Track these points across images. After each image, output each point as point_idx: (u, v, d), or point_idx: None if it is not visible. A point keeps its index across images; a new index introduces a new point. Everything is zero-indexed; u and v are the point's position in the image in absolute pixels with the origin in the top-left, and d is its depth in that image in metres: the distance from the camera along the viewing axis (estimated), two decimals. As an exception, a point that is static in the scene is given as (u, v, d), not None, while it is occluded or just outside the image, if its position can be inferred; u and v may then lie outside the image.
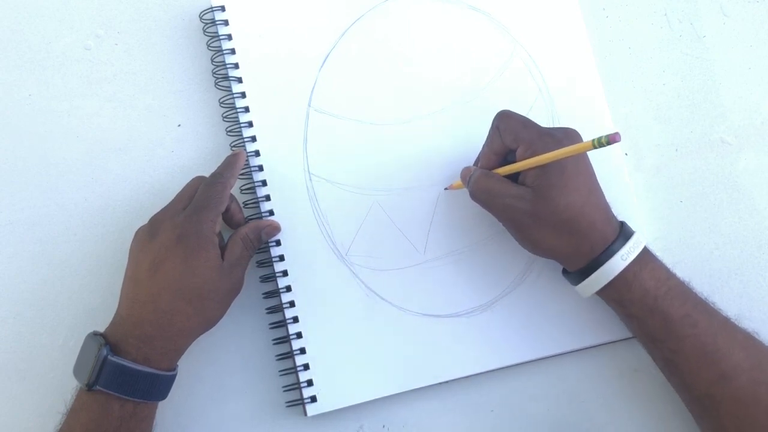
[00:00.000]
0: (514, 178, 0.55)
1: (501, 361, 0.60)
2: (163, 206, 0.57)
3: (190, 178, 0.58)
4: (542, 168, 0.52)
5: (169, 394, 0.54)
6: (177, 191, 0.58)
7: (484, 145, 0.57)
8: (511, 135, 0.54)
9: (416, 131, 0.63)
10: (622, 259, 0.53)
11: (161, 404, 0.54)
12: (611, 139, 0.46)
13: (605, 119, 0.64)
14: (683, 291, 0.54)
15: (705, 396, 0.53)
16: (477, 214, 0.62)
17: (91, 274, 0.61)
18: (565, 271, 0.58)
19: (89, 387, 0.51)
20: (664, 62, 0.66)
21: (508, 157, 0.56)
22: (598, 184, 0.55)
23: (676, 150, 0.65)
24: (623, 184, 0.63)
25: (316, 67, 0.63)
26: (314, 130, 0.62)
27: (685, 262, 0.62)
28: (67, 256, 0.61)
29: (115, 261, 0.60)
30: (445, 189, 0.62)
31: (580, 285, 0.55)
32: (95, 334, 0.53)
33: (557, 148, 0.52)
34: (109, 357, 0.50)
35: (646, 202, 0.64)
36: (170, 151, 0.63)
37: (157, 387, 0.52)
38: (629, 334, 0.61)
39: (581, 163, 0.54)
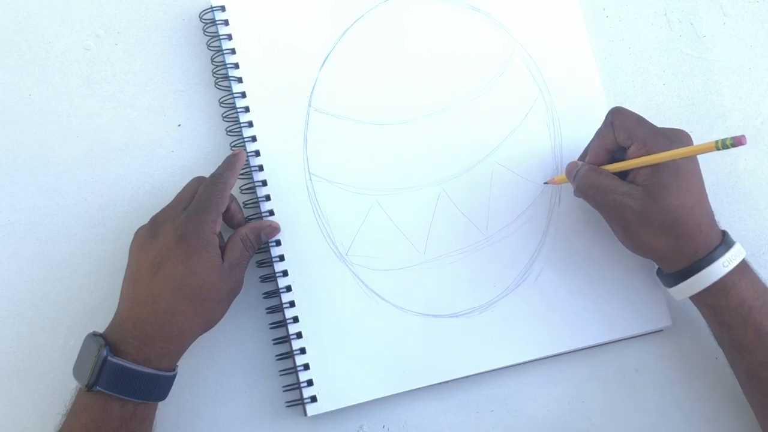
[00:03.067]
0: (621, 176, 0.55)
1: (501, 361, 0.60)
2: (163, 206, 0.57)
3: (190, 178, 0.58)
4: (655, 167, 0.52)
5: (169, 394, 0.54)
6: (177, 191, 0.58)
7: (593, 140, 0.57)
8: (626, 132, 0.54)
9: (416, 131, 0.63)
10: (724, 266, 0.53)
11: (161, 404, 0.54)
12: (737, 141, 0.45)
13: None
14: None
15: None
16: (477, 215, 0.62)
17: (91, 274, 0.61)
18: (659, 272, 0.58)
19: (89, 388, 0.51)
20: (664, 62, 0.66)
21: (615, 155, 0.56)
22: (704, 188, 0.55)
23: (676, 150, 0.65)
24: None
25: (317, 67, 0.63)
26: (314, 130, 0.62)
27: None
28: (67, 256, 0.61)
29: (115, 261, 0.60)
30: (545, 183, 0.61)
31: (676, 287, 0.55)
32: (95, 334, 0.52)
33: (671, 148, 0.52)
34: (109, 358, 0.50)
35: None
36: (170, 151, 0.63)
37: (158, 387, 0.52)
38: (629, 334, 0.61)
39: (694, 165, 0.54)
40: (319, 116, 0.62)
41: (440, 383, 0.60)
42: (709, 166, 0.65)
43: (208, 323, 0.55)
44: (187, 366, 0.58)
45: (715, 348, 0.58)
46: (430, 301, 0.61)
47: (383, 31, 0.64)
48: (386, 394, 0.59)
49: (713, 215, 0.55)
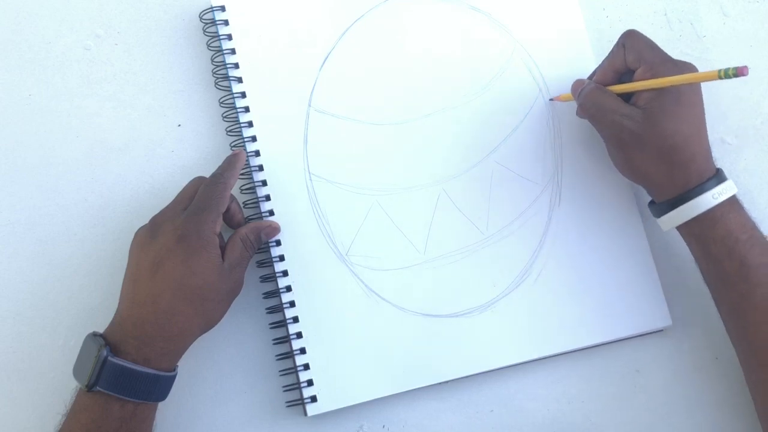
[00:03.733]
0: (626, 98, 0.56)
1: (501, 361, 0.60)
2: (163, 206, 0.57)
3: (190, 178, 0.58)
4: (658, 92, 0.53)
5: (169, 395, 0.54)
6: (177, 191, 0.58)
7: (603, 60, 0.58)
8: (636, 54, 0.55)
9: (416, 131, 0.63)
10: (713, 198, 0.54)
11: (161, 404, 0.54)
12: (739, 72, 0.46)
13: (605, 119, 0.64)
14: (764, 242, 0.55)
15: (764, 349, 0.54)
16: (477, 215, 0.62)
17: (91, 274, 0.61)
18: (651, 204, 0.58)
19: (89, 388, 0.51)
20: (664, 62, 0.66)
21: (623, 78, 0.57)
22: (705, 121, 0.56)
23: (676, 150, 0.65)
24: (623, 184, 0.63)
25: (317, 67, 0.63)
26: (314, 130, 0.62)
27: (684, 263, 0.62)
28: (67, 256, 0.61)
29: (115, 261, 0.60)
30: (551, 100, 0.62)
31: (665, 216, 0.56)
32: (95, 334, 0.52)
33: (678, 75, 0.52)
34: (110, 358, 0.50)
35: (646, 201, 0.64)
36: (170, 151, 0.63)
37: (158, 387, 0.52)
38: (629, 334, 0.61)
39: (696, 95, 0.55)
40: (319, 116, 0.62)
41: (440, 383, 0.60)
42: (709, 166, 0.65)
43: (208, 323, 0.55)
44: (187, 366, 0.58)
45: (715, 348, 0.58)
46: (430, 301, 0.61)
47: (383, 31, 0.64)
48: (386, 394, 0.59)
49: (710, 149, 0.56)
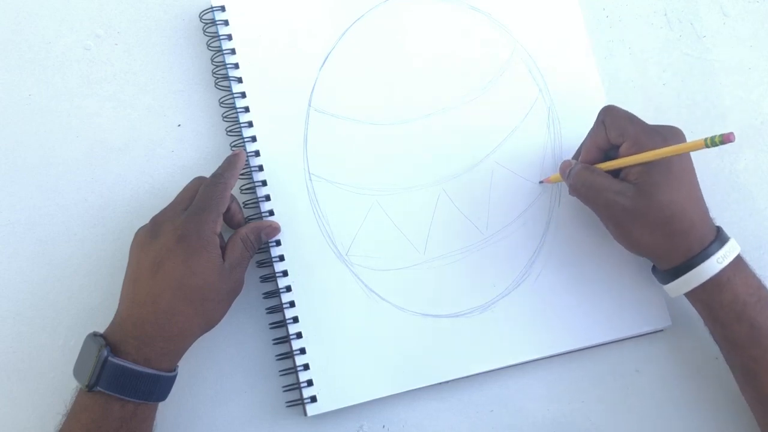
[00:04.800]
0: (615, 174, 0.55)
1: (501, 361, 0.60)
2: (164, 206, 0.57)
3: (191, 178, 0.58)
4: (647, 165, 0.52)
5: (169, 395, 0.54)
6: (177, 191, 0.58)
7: (586, 139, 0.57)
8: (617, 130, 0.54)
9: (416, 131, 0.63)
10: (718, 262, 0.53)
11: (161, 404, 0.54)
12: (725, 139, 0.45)
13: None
14: None
15: None
16: (477, 215, 0.62)
17: (91, 274, 0.61)
18: (654, 270, 0.58)
19: (90, 388, 0.51)
20: (664, 62, 0.66)
21: (609, 153, 0.56)
22: (698, 184, 0.55)
23: (676, 150, 0.65)
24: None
25: (317, 67, 0.63)
26: (314, 130, 0.62)
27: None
28: (67, 256, 0.61)
29: (115, 261, 0.60)
30: (540, 182, 0.62)
31: (670, 284, 0.55)
32: (95, 335, 0.52)
33: (662, 145, 0.52)
34: (110, 358, 0.50)
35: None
36: (170, 151, 0.63)
37: (158, 388, 0.52)
38: (629, 334, 0.61)
39: (686, 161, 0.54)
40: (319, 116, 0.62)
41: (440, 383, 0.60)
42: (710, 165, 0.65)
43: (208, 323, 0.55)
44: (187, 366, 0.58)
45: (715, 348, 0.58)
46: (430, 301, 0.61)
47: (383, 31, 0.64)
48: (386, 394, 0.59)
49: (707, 211, 0.55)
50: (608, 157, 0.56)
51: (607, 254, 0.61)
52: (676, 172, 0.53)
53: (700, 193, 0.55)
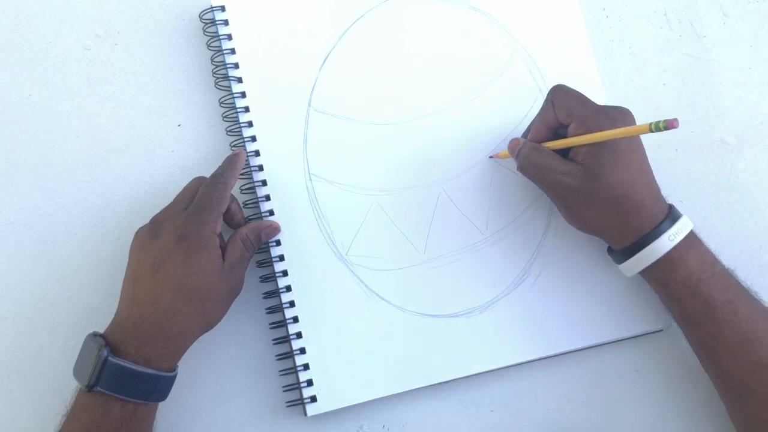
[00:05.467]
0: (563, 153, 0.55)
1: (501, 361, 0.60)
2: (164, 206, 0.57)
3: (190, 178, 0.58)
4: (594, 146, 0.53)
5: (169, 395, 0.54)
6: (177, 191, 0.58)
7: (535, 118, 0.57)
8: (565, 110, 0.54)
9: (416, 131, 0.63)
10: (670, 240, 0.53)
11: (161, 404, 0.54)
12: (669, 125, 0.45)
13: (605, 119, 0.64)
14: (727, 277, 0.54)
15: (739, 383, 0.53)
16: (477, 215, 0.62)
17: (91, 274, 0.61)
18: (610, 250, 0.58)
19: (90, 388, 0.51)
20: (664, 62, 0.66)
21: (558, 131, 0.56)
22: (648, 163, 0.55)
23: (676, 150, 0.65)
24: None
25: (317, 66, 0.63)
26: (314, 130, 0.62)
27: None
28: (67, 256, 0.61)
29: (115, 261, 0.60)
30: (490, 157, 0.62)
31: (624, 263, 0.56)
32: (95, 335, 0.52)
33: (611, 127, 0.52)
34: (110, 358, 0.50)
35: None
36: (170, 151, 0.63)
37: (158, 388, 0.52)
38: (629, 334, 0.61)
39: (634, 141, 0.54)
40: (319, 116, 0.62)
41: (440, 383, 0.60)
42: (710, 165, 0.65)
43: (208, 323, 0.55)
44: (187, 366, 0.58)
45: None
46: (430, 301, 0.61)
47: (383, 31, 0.64)
48: (386, 394, 0.59)
49: (658, 190, 0.55)
50: (557, 136, 0.56)
51: (607, 254, 0.61)
52: (624, 152, 0.53)
53: (650, 171, 0.55)
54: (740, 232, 0.64)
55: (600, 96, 0.64)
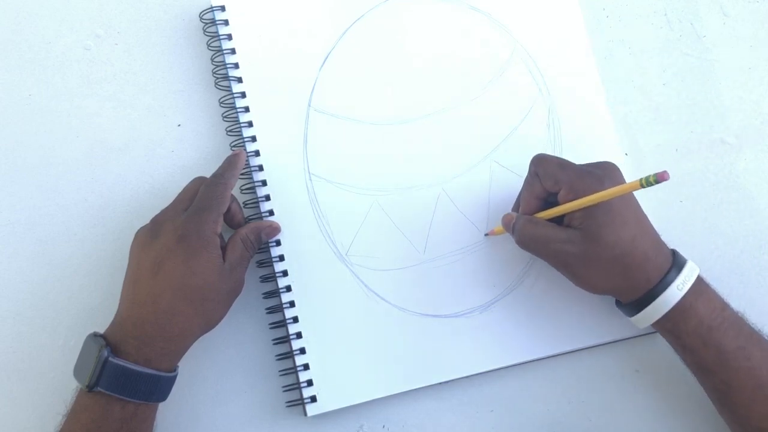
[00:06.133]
0: (558, 220, 0.54)
1: (501, 361, 0.60)
2: (164, 206, 0.57)
3: (190, 178, 0.58)
4: (588, 208, 0.52)
5: (170, 395, 0.54)
6: (177, 191, 0.58)
7: (522, 190, 0.57)
8: (551, 179, 0.53)
9: (416, 131, 0.63)
10: (678, 289, 0.52)
11: (161, 404, 0.54)
12: (660, 178, 0.45)
13: (605, 119, 0.64)
14: (737, 322, 0.54)
15: (757, 430, 0.53)
16: (476, 215, 0.62)
17: (91, 274, 0.61)
18: (618, 303, 0.57)
19: (90, 388, 0.51)
20: (664, 62, 0.66)
21: (548, 199, 0.55)
22: (644, 215, 0.55)
23: (676, 150, 0.65)
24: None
25: (317, 66, 0.63)
26: (314, 130, 0.62)
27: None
28: (67, 256, 0.61)
29: (115, 261, 0.60)
30: (486, 235, 0.61)
31: (636, 317, 0.55)
32: (95, 335, 0.52)
33: (599, 187, 0.51)
34: (110, 359, 0.50)
35: (647, 202, 0.63)
36: (170, 151, 0.63)
37: (158, 388, 0.52)
38: (629, 334, 0.61)
39: (626, 196, 0.53)
40: (319, 116, 0.62)
41: (440, 383, 0.60)
42: (710, 166, 0.65)
43: (208, 324, 0.55)
44: (187, 366, 0.58)
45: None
46: (430, 301, 0.61)
47: (383, 31, 0.64)
48: (386, 394, 0.59)
49: (659, 238, 0.55)
50: (548, 204, 0.55)
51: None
52: (618, 209, 0.52)
53: (648, 222, 0.55)
54: (740, 232, 0.64)
55: (600, 96, 0.64)
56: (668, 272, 0.53)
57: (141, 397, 0.51)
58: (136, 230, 0.56)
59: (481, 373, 0.60)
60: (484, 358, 0.60)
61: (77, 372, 0.52)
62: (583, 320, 0.61)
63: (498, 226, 0.60)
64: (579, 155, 0.63)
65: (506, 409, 0.61)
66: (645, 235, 0.54)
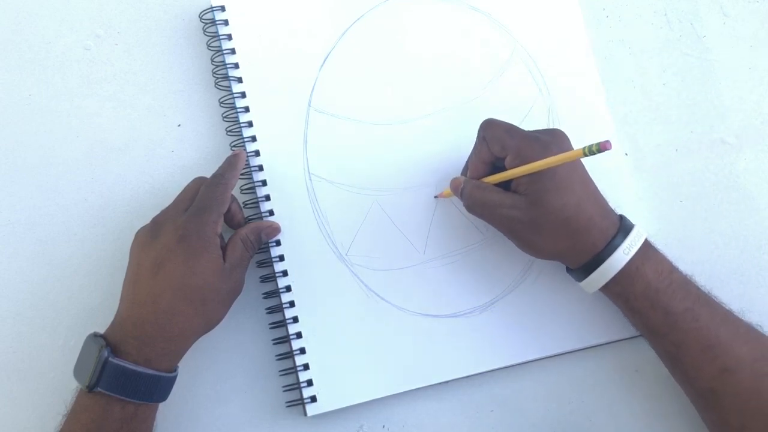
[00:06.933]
0: (506, 185, 0.55)
1: (501, 361, 0.60)
2: (164, 206, 0.57)
3: (191, 178, 0.58)
4: (533, 174, 0.52)
5: (170, 395, 0.54)
6: (177, 191, 0.58)
7: (471, 155, 0.57)
8: (498, 144, 0.54)
9: (416, 131, 0.63)
10: (625, 253, 0.53)
11: (161, 404, 0.54)
12: (602, 147, 0.45)
13: (605, 119, 0.64)
14: (685, 284, 0.54)
15: (708, 390, 0.53)
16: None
17: (91, 274, 0.61)
18: (569, 269, 0.58)
19: (90, 388, 0.51)
20: (664, 62, 0.66)
21: (496, 164, 0.56)
22: (590, 180, 0.55)
23: (676, 150, 0.65)
24: (623, 184, 0.63)
25: (317, 66, 0.63)
26: (314, 130, 0.62)
27: (684, 262, 0.62)
28: (67, 256, 0.61)
29: (115, 261, 0.60)
30: (435, 197, 0.61)
31: (584, 282, 0.55)
32: (96, 335, 0.52)
33: (545, 154, 0.52)
34: (110, 359, 0.50)
35: (646, 202, 0.64)
36: (170, 151, 0.63)
37: (158, 388, 0.52)
38: (629, 334, 0.61)
39: (572, 162, 0.54)
40: (319, 116, 0.62)
41: (440, 383, 0.60)
42: (710, 166, 0.65)
43: (208, 324, 0.55)
44: (187, 366, 0.58)
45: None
46: (430, 301, 0.61)
47: (383, 31, 0.64)
48: (386, 394, 0.59)
49: (605, 204, 0.55)
50: (496, 168, 0.56)
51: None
52: (564, 175, 0.53)
53: (594, 188, 0.55)
54: (740, 232, 0.64)
55: (600, 96, 0.64)
56: (614, 237, 0.53)
57: (141, 398, 0.51)
58: (136, 230, 0.56)
59: (481, 373, 0.60)
60: (484, 358, 0.60)
61: (77, 372, 0.52)
62: (583, 320, 0.61)
63: (447, 188, 0.60)
64: (462, 169, 0.63)
65: (506, 409, 0.61)
66: (590, 200, 0.54)
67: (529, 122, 0.63)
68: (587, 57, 0.65)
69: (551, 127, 0.63)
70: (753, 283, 0.63)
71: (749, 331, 0.54)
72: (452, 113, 0.63)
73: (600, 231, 0.53)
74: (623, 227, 0.54)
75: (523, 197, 0.53)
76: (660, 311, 0.53)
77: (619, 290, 0.55)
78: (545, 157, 0.51)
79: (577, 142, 0.62)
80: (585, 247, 0.54)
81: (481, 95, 0.63)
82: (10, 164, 0.62)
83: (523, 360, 0.60)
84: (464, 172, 0.59)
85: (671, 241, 0.63)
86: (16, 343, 0.60)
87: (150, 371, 0.51)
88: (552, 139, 0.54)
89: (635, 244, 0.53)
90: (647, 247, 0.55)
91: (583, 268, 0.55)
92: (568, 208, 0.52)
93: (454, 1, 0.64)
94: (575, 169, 0.54)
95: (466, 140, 0.63)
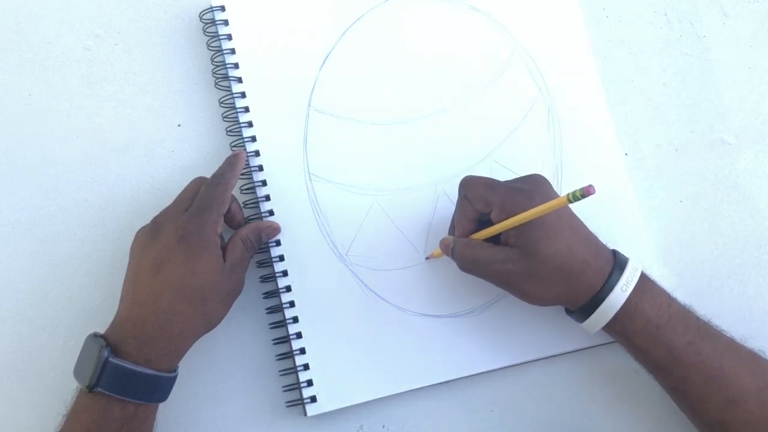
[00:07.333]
0: (495, 239, 0.55)
1: (501, 361, 0.60)
2: (164, 206, 0.57)
3: (191, 178, 0.58)
4: (521, 225, 0.52)
5: (170, 395, 0.54)
6: (177, 191, 0.58)
7: (455, 214, 0.57)
8: (481, 201, 0.54)
9: (416, 131, 0.63)
10: (623, 290, 0.52)
11: (161, 404, 0.54)
12: (586, 192, 0.45)
13: (605, 119, 0.64)
14: (685, 317, 0.54)
15: (715, 422, 0.53)
16: (477, 214, 0.62)
17: (91, 274, 0.61)
18: (568, 311, 0.57)
19: (90, 389, 0.51)
20: (664, 62, 0.66)
21: (481, 218, 0.55)
22: (579, 221, 0.55)
23: (676, 150, 0.65)
24: (623, 185, 0.63)
25: (317, 66, 0.63)
26: (314, 130, 0.62)
27: (684, 263, 0.63)
28: (67, 256, 0.61)
29: (115, 261, 0.60)
30: (427, 258, 0.61)
31: (585, 323, 0.55)
32: (96, 335, 0.52)
33: (530, 204, 0.52)
34: (110, 359, 0.50)
35: (646, 202, 0.64)
36: (170, 151, 0.63)
37: (158, 388, 0.52)
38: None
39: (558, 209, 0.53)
40: (318, 116, 0.62)
41: (440, 383, 0.60)
42: (710, 166, 0.65)
43: (208, 324, 0.55)
44: (187, 366, 0.58)
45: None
46: (430, 301, 0.61)
47: (383, 31, 0.64)
48: (386, 394, 0.59)
49: (597, 242, 0.55)
50: (483, 223, 0.55)
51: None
52: (551, 222, 0.52)
53: (584, 229, 0.55)
54: (740, 232, 0.64)
55: (600, 96, 0.64)
56: (610, 275, 0.53)
57: (141, 398, 0.51)
58: (136, 230, 0.56)
59: (481, 373, 0.60)
60: (484, 358, 0.60)
61: (77, 372, 0.52)
62: (583, 320, 0.61)
63: (437, 249, 0.59)
64: (579, 155, 0.63)
65: (506, 409, 0.61)
66: (581, 243, 0.53)
67: (529, 122, 0.63)
68: (587, 57, 0.65)
69: (553, 125, 0.63)
70: (753, 283, 0.63)
71: (753, 359, 0.54)
72: (452, 113, 0.63)
73: (595, 271, 0.53)
74: (618, 263, 0.54)
75: (515, 249, 0.53)
76: (662, 347, 0.53)
77: (619, 328, 0.54)
78: (530, 208, 0.51)
79: (578, 143, 0.62)
80: (582, 289, 0.53)
81: (481, 95, 0.63)
82: (10, 164, 0.62)
83: (523, 360, 0.60)
84: (451, 230, 0.59)
85: (671, 242, 0.63)
86: (16, 343, 0.60)
87: (150, 371, 0.51)
88: (534, 188, 0.54)
89: (632, 280, 0.53)
90: (644, 281, 0.54)
91: (582, 310, 0.54)
92: (561, 254, 0.52)
93: (454, 1, 0.64)
94: (562, 214, 0.54)
95: (466, 140, 0.63)
